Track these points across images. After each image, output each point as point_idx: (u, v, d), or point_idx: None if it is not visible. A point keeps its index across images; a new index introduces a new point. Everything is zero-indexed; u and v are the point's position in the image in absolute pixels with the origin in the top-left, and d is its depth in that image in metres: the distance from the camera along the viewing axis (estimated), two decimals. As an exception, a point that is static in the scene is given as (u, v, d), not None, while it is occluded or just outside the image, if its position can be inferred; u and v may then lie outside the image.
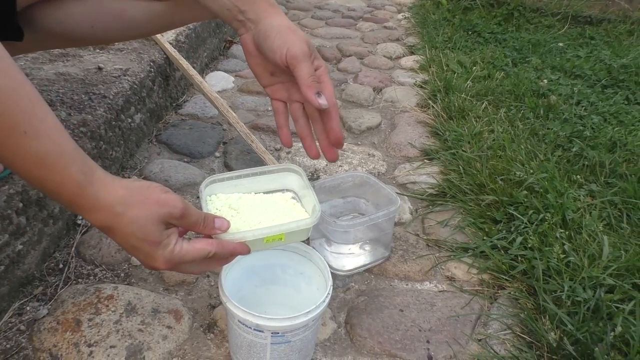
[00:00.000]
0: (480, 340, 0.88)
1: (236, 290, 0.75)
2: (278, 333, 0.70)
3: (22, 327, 0.79)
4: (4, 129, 0.51)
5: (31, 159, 0.53)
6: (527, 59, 2.18)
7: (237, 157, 1.34)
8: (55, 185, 0.55)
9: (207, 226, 0.66)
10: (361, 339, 0.86)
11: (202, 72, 1.82)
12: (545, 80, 1.85)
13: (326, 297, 0.73)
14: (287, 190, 0.82)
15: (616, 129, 1.52)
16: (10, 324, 0.79)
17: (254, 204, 0.77)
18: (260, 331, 0.70)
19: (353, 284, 0.99)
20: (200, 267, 0.67)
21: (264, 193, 0.80)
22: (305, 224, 0.72)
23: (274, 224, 0.72)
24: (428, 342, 0.86)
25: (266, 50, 0.71)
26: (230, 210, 0.75)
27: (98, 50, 1.38)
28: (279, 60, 0.69)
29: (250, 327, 0.70)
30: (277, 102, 0.79)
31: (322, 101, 0.68)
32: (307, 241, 1.01)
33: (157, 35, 1.47)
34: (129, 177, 1.19)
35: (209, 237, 0.67)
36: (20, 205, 0.82)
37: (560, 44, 2.37)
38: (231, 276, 0.78)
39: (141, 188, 0.60)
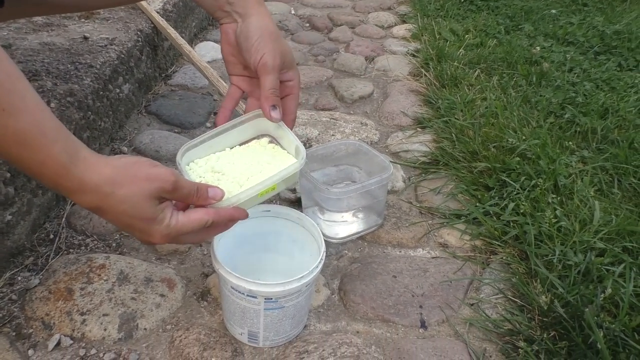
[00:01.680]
0: (472, 304, 0.88)
1: (229, 258, 0.74)
2: (271, 299, 0.70)
3: (14, 297, 0.79)
4: None
5: (10, 137, 0.50)
6: (519, 27, 2.15)
7: (228, 128, 1.33)
8: (37, 165, 0.53)
9: (201, 197, 0.64)
10: (354, 305, 0.86)
11: (191, 42, 1.79)
12: (538, 48, 1.83)
13: (319, 262, 0.73)
14: (262, 135, 0.80)
15: (608, 95, 1.51)
16: (1, 294, 0.79)
17: (235, 161, 0.75)
18: (253, 297, 0.70)
19: (346, 252, 0.99)
20: (199, 237, 0.67)
21: (239, 145, 0.78)
22: (295, 169, 0.71)
23: (263, 175, 0.71)
24: (421, 307, 0.87)
25: (243, 49, 0.73)
26: (215, 174, 0.73)
27: (83, 20, 1.34)
28: (251, 64, 0.72)
29: (243, 294, 0.70)
30: (236, 88, 0.80)
31: (275, 115, 0.73)
32: (300, 209, 1.01)
33: (143, 4, 1.44)
34: (118, 149, 1.18)
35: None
36: (8, 175, 0.80)
37: (553, 11, 2.34)
38: (223, 244, 0.78)
39: (128, 165, 0.58)
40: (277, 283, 0.69)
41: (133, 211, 0.58)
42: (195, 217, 0.63)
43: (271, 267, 0.86)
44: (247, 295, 0.70)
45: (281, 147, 0.78)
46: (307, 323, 0.82)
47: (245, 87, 0.79)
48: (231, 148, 0.78)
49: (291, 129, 0.77)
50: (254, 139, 0.79)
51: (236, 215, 0.67)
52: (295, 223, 0.84)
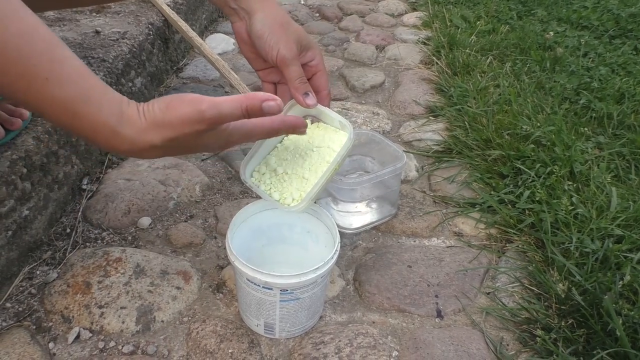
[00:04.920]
0: (488, 293, 0.88)
1: (244, 250, 0.75)
2: (287, 290, 0.70)
3: (33, 291, 0.80)
4: (24, 77, 0.47)
5: (58, 107, 0.50)
6: (532, 12, 2.12)
7: (240, 119, 1.33)
8: (89, 131, 0.53)
9: (253, 109, 0.60)
10: (370, 295, 0.86)
11: (202, 34, 1.79)
12: (552, 33, 1.80)
13: (334, 253, 0.73)
14: (306, 116, 0.80)
15: (624, 79, 1.49)
16: (21, 288, 0.80)
17: (290, 156, 0.77)
18: (269, 289, 0.70)
19: (360, 242, 0.99)
20: (241, 133, 0.63)
21: (286, 136, 0.80)
22: (348, 145, 0.73)
23: (321, 160, 0.75)
24: (437, 296, 0.87)
25: (259, 48, 0.74)
26: (278, 176, 0.76)
27: (95, 14, 1.35)
28: (270, 60, 0.73)
29: (259, 285, 0.70)
30: (268, 84, 0.81)
31: (310, 101, 0.74)
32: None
33: (153, -3, 1.44)
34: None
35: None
36: (25, 170, 0.81)
37: (567, -5, 2.31)
38: (238, 236, 0.78)
39: (167, 109, 0.56)
40: (293, 275, 0.69)
41: (186, 140, 0.57)
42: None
43: (286, 259, 0.86)
44: (263, 287, 0.70)
45: (325, 123, 0.80)
46: (322, 314, 0.83)
47: (274, 77, 0.80)
48: (280, 142, 0.80)
49: (328, 105, 0.78)
50: None
51: (292, 121, 0.68)
52: (309, 214, 0.84)
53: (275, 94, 0.81)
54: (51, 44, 0.50)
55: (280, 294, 0.71)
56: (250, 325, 0.78)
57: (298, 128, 0.69)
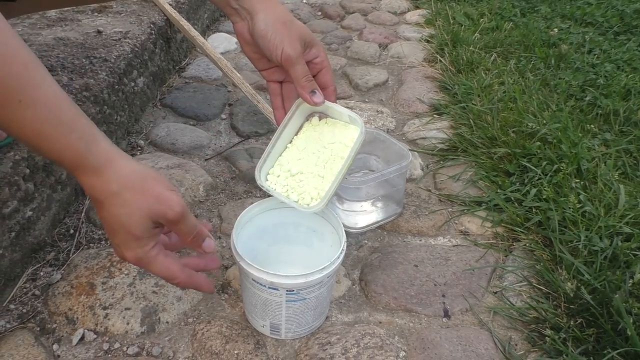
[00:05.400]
0: (496, 292, 0.87)
1: (249, 250, 0.74)
2: (293, 290, 0.70)
3: (37, 292, 0.79)
4: None
5: (28, 128, 0.50)
6: (535, 9, 2.11)
7: (243, 119, 1.32)
8: (56, 153, 0.53)
9: (196, 242, 0.63)
10: (376, 295, 0.85)
11: (204, 34, 1.78)
12: (556, 30, 1.79)
13: (340, 253, 0.72)
14: (310, 116, 0.80)
15: (630, 76, 1.48)
16: (25, 289, 0.80)
17: (302, 155, 0.77)
18: (274, 289, 0.69)
19: (366, 241, 0.98)
20: (164, 277, 0.63)
21: (295, 135, 0.80)
22: (361, 140, 0.73)
23: (335, 156, 0.75)
24: (444, 296, 0.86)
25: (262, 47, 0.73)
26: (294, 176, 0.76)
27: (96, 14, 1.34)
28: (274, 59, 0.73)
29: (264, 286, 0.69)
30: (273, 83, 0.80)
31: (317, 99, 0.73)
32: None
33: (155, -4, 1.43)
34: (135, 142, 1.18)
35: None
36: (27, 171, 0.80)
37: (570, -8, 2.29)
38: (243, 235, 0.77)
39: (146, 176, 0.57)
40: (299, 275, 0.68)
41: (126, 220, 0.56)
42: (171, 268, 0.61)
43: (292, 259, 0.85)
44: (269, 288, 0.69)
45: (333, 118, 0.79)
46: (328, 314, 0.82)
47: (279, 76, 0.80)
48: (290, 142, 0.79)
49: (334, 101, 0.77)
50: (304, 122, 0.80)
51: (204, 287, 0.67)
52: (314, 214, 0.83)
53: (281, 93, 0.81)
54: (29, 67, 0.50)
55: (287, 294, 0.70)
56: (255, 326, 0.77)
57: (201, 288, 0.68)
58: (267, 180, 0.78)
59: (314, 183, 0.74)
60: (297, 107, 0.78)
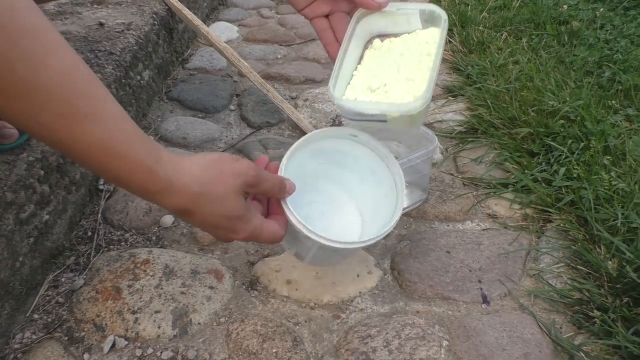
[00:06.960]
0: (533, 275, 0.84)
1: (298, 167, 0.70)
2: (327, 246, 0.66)
3: (61, 300, 0.75)
4: (63, 115, 0.45)
5: (95, 146, 0.47)
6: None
7: (253, 109, 1.28)
8: (125, 172, 0.50)
9: (281, 191, 0.65)
10: (411, 284, 0.82)
11: (204, 23, 1.73)
12: (565, 6, 1.76)
13: (392, 224, 0.69)
14: (369, 42, 0.73)
15: (645, 50, 1.45)
16: (47, 297, 0.75)
17: (380, 72, 0.69)
18: (309, 238, 0.66)
19: (392, 229, 0.94)
20: (269, 242, 0.65)
21: (359, 65, 0.72)
22: (443, 35, 0.66)
23: (421, 55, 0.67)
24: (480, 281, 0.83)
25: None
26: (378, 90, 0.67)
27: (96, 6, 1.29)
28: None
29: (300, 231, 0.66)
30: (319, 19, 0.75)
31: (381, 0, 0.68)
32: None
33: (155, -14, 1.38)
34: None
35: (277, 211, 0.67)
36: (42, 172, 0.76)
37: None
38: (297, 157, 0.72)
39: (213, 162, 0.56)
40: (336, 241, 0.65)
41: (222, 209, 0.56)
42: (276, 231, 0.63)
43: (339, 181, 0.81)
44: (305, 234, 0.65)
45: (394, 36, 0.72)
46: (363, 306, 0.79)
47: (323, 9, 0.74)
48: (359, 63, 0.72)
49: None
50: (364, 52, 0.73)
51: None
52: (380, 159, 0.76)
53: (330, 26, 0.75)
54: (91, 82, 0.47)
55: (319, 247, 0.67)
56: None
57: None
58: (343, 96, 0.68)
59: (404, 88, 0.64)
60: (357, 22, 0.70)
